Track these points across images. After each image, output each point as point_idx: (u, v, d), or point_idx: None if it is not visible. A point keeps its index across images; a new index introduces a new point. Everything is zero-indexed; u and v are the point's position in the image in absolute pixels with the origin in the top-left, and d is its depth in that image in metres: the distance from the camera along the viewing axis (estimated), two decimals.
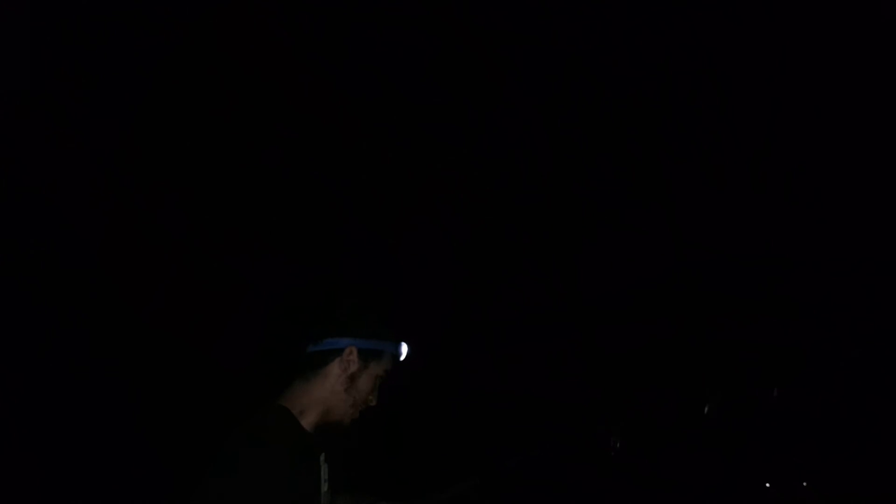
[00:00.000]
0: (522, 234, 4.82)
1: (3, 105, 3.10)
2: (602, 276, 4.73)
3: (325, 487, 1.74)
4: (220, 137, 3.74)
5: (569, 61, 4.11)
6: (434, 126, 4.17)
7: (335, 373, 1.70)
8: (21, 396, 3.45)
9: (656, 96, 4.29)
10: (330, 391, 1.70)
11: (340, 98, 3.82)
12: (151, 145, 3.51)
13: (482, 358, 4.63)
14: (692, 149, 4.49)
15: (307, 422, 1.68)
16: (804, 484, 3.93)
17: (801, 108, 4.20)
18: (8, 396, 3.39)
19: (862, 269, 4.59)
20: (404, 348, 1.77)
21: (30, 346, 3.45)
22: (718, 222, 4.71)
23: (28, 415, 3.52)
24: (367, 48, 3.78)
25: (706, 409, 4.25)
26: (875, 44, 3.87)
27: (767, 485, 4.08)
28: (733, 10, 3.91)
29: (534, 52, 4.04)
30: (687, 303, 4.82)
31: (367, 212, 4.32)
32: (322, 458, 1.73)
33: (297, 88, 3.68)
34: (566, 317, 4.78)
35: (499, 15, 3.92)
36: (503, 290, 4.66)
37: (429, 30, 3.88)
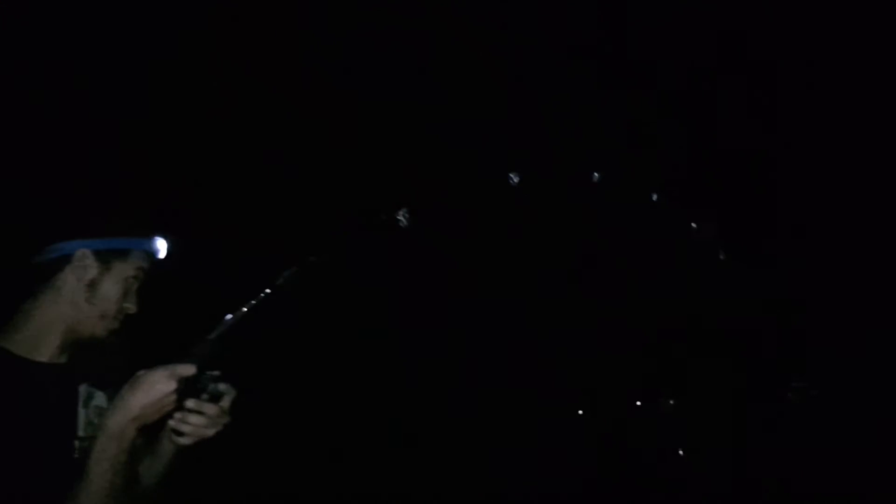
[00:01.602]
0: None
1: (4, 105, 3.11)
2: None
3: (90, 415, 1.50)
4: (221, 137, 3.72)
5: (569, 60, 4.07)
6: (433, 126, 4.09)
7: (70, 283, 1.45)
8: None
9: (657, 95, 4.21)
10: (68, 305, 1.45)
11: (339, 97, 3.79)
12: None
13: None
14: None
15: (45, 351, 1.44)
16: None
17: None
18: None
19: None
20: (161, 243, 1.51)
21: None
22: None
23: None
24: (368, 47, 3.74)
25: None
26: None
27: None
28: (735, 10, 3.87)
29: (534, 52, 3.99)
30: None
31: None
32: (83, 388, 1.50)
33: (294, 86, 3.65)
34: None
35: (499, 14, 3.87)
36: None
37: (429, 29, 3.84)
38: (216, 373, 1.39)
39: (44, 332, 1.44)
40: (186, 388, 1.35)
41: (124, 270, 1.48)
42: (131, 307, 1.50)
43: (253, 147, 3.67)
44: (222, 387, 1.40)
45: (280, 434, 3.78)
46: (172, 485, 1.58)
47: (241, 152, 3.68)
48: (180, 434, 1.39)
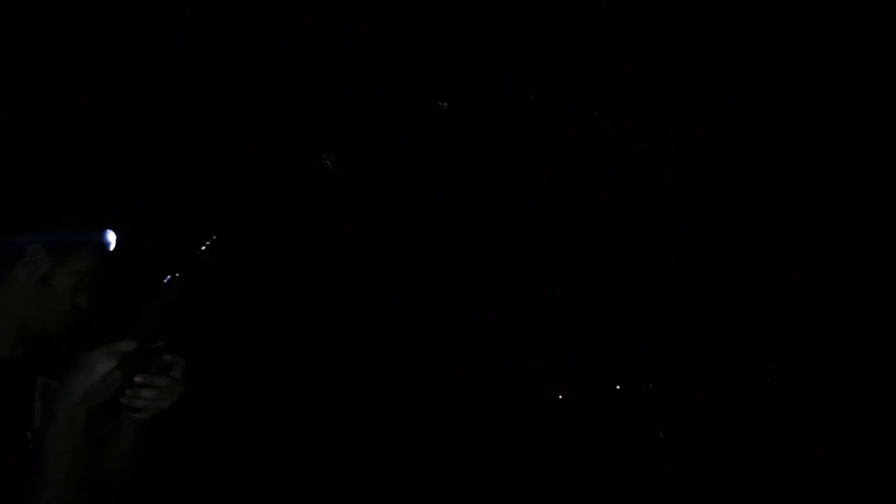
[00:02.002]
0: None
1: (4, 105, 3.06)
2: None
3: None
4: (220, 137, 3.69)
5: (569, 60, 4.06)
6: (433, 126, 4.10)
7: (20, 278, 1.44)
8: None
9: (656, 95, 4.21)
10: (19, 300, 1.44)
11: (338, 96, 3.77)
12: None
13: None
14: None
15: (0, 346, 1.44)
16: None
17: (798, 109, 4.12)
18: None
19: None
20: (111, 236, 1.50)
21: None
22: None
23: None
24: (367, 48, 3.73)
25: None
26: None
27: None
28: (733, 10, 3.86)
29: (533, 53, 3.99)
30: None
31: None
32: (39, 381, 1.47)
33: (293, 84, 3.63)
34: None
35: (499, 15, 3.86)
36: None
37: (428, 30, 3.83)
38: (160, 344, 1.41)
39: None
40: (132, 364, 1.36)
41: (79, 264, 1.48)
42: (83, 301, 1.50)
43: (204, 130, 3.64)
44: (169, 357, 1.41)
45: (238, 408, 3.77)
46: (145, 470, 1.59)
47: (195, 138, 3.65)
48: (135, 411, 1.41)
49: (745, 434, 4.37)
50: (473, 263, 4.57)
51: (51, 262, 1.45)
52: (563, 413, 4.76)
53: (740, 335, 4.66)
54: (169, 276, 1.42)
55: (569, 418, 4.74)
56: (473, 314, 4.69)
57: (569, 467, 4.41)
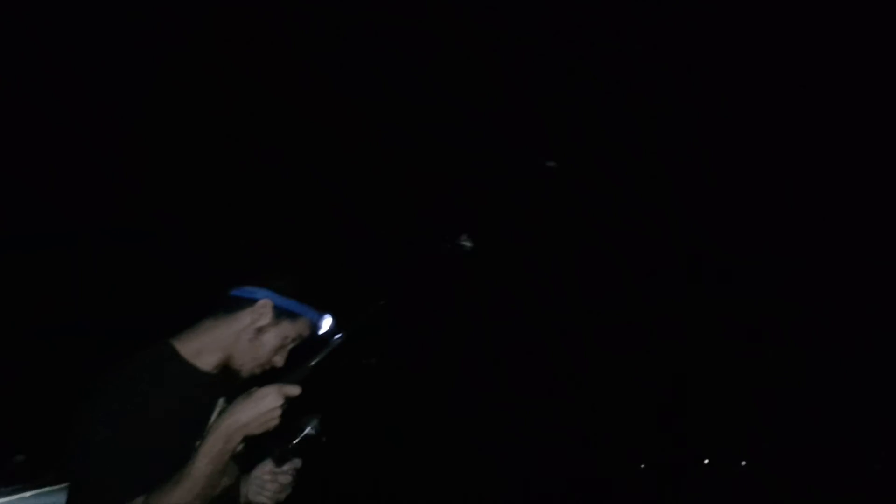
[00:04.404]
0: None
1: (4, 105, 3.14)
2: None
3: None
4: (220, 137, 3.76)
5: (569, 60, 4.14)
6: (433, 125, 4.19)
7: (244, 321, 1.68)
8: None
9: (656, 96, 4.32)
10: (234, 337, 1.68)
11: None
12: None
13: None
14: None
15: (205, 362, 1.67)
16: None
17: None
18: None
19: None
20: (327, 321, 1.74)
21: None
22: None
23: None
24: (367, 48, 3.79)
25: None
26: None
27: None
28: (734, 11, 3.94)
29: (533, 51, 4.07)
30: None
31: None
32: (221, 401, 1.69)
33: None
34: None
35: (498, 14, 3.94)
36: None
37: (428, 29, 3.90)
38: (315, 421, 1.64)
39: (208, 348, 1.67)
40: (286, 428, 1.58)
41: (288, 330, 1.72)
42: (279, 362, 1.73)
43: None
44: (313, 430, 1.63)
45: None
46: None
47: None
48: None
49: None
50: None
51: (271, 319, 1.70)
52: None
53: None
54: (337, 336, 1.65)
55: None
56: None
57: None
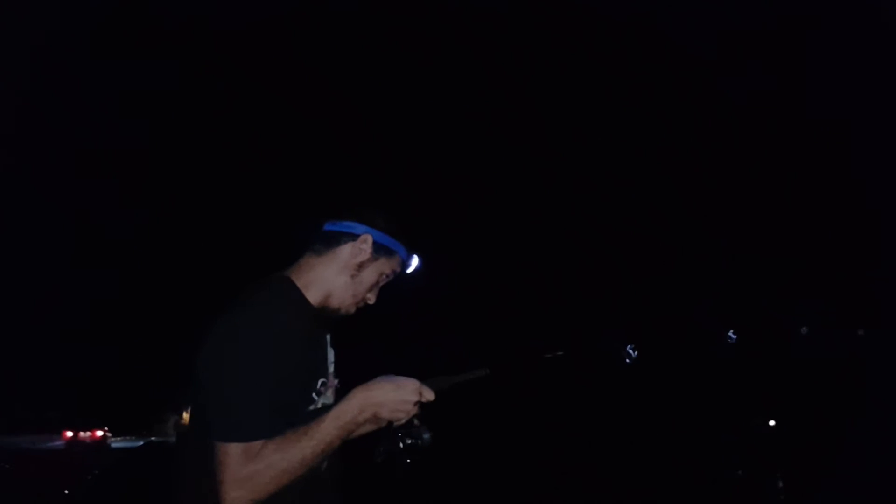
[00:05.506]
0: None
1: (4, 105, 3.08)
2: None
3: (331, 368, 1.70)
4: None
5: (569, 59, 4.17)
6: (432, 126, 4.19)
7: (345, 256, 1.65)
8: None
9: (656, 95, 4.37)
10: (336, 273, 1.64)
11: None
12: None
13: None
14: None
15: (312, 296, 1.64)
16: None
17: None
18: None
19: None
20: (415, 260, 1.71)
21: None
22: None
23: None
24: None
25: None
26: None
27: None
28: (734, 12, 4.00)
29: (533, 51, 4.10)
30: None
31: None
32: (328, 338, 1.69)
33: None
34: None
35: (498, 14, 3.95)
36: None
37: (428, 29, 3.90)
38: (429, 434, 1.58)
39: (314, 283, 1.65)
40: (403, 427, 1.54)
41: (385, 266, 1.68)
42: (372, 298, 1.70)
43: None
44: (424, 442, 1.58)
45: None
46: None
47: None
48: None
49: None
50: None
51: (371, 255, 1.66)
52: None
53: None
54: (484, 371, 1.63)
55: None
56: None
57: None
